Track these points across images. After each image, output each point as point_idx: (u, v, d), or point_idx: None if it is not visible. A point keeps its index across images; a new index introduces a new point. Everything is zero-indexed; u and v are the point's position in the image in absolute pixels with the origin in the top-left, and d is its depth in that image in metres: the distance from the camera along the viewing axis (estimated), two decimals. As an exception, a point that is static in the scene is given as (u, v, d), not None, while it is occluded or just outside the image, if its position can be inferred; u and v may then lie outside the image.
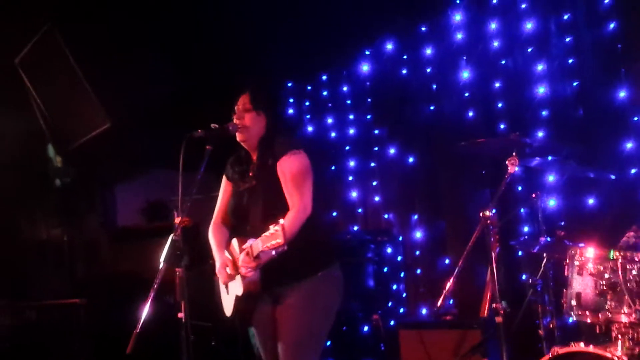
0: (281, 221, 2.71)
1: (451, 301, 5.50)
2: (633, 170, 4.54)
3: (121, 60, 5.41)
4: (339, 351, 5.60)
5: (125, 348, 2.76)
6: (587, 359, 3.02)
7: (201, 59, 5.76)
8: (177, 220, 2.97)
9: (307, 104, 6.68)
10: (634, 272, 3.05)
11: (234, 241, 3.16)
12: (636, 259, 3.07)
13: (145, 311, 2.82)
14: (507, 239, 4.17)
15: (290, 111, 6.68)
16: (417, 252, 5.84)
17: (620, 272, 3.07)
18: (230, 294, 3.22)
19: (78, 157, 6.20)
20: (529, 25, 5.07)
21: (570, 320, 3.52)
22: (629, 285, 3.04)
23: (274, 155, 3.11)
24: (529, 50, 5.09)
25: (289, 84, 6.71)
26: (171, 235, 2.93)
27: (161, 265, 2.90)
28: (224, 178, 3.38)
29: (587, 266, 3.20)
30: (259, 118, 3.18)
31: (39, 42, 5.41)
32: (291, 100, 6.72)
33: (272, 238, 2.71)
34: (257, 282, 3.04)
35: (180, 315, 2.91)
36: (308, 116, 6.66)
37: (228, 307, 3.25)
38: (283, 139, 3.16)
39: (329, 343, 5.62)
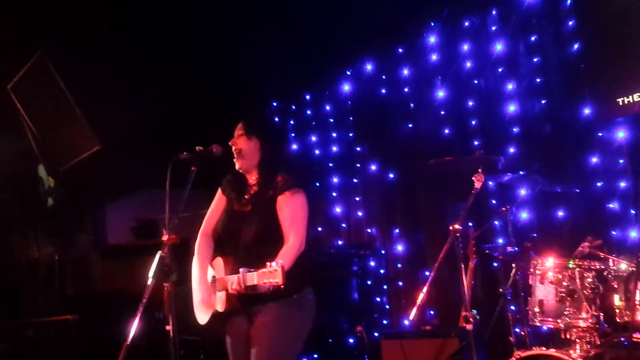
0: (280, 261, 2.88)
1: (432, 312, 5.69)
2: (599, 184, 4.75)
3: (111, 85, 5.58)
4: (325, 362, 5.76)
5: (116, 361, 2.89)
6: (547, 362, 3.21)
7: (189, 83, 5.93)
8: (165, 237, 3.12)
9: (292, 122, 6.88)
10: (590, 280, 3.26)
11: (219, 260, 3.30)
12: (592, 268, 3.28)
13: (135, 325, 2.96)
14: (483, 250, 4.34)
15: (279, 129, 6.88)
16: (399, 265, 6.01)
17: (577, 280, 3.28)
18: (210, 307, 3.34)
19: (69, 178, 6.34)
20: (499, 47, 5.29)
21: (544, 327, 3.70)
22: (585, 292, 3.25)
23: (276, 188, 3.27)
24: (500, 70, 5.30)
25: (275, 104, 6.92)
26: (159, 252, 3.07)
27: (149, 281, 3.04)
28: (220, 191, 3.51)
29: (547, 275, 3.41)
30: (252, 143, 3.34)
31: (30, 68, 5.58)
32: (277, 119, 6.92)
33: (270, 276, 2.86)
34: (238, 301, 3.18)
35: (168, 327, 3.04)
36: (293, 134, 6.85)
37: (202, 318, 3.37)
38: (287, 175, 3.30)
39: (316, 356, 5.78)
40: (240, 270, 3.00)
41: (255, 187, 3.38)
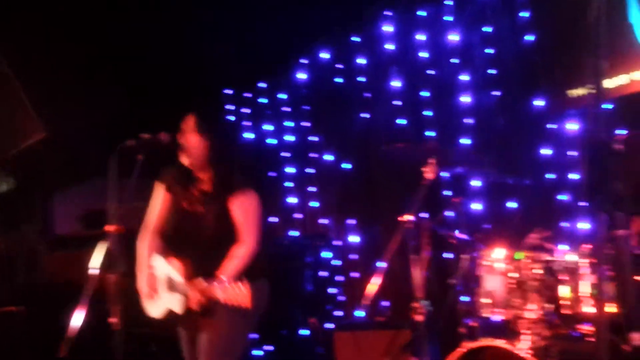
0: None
1: (386, 303, 5.69)
2: (550, 175, 4.81)
3: (60, 72, 5.40)
4: (279, 355, 5.69)
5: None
6: (495, 353, 3.22)
7: (141, 70, 5.79)
8: (110, 227, 3.06)
9: (246, 111, 6.78)
10: (538, 271, 3.28)
11: (176, 263, 3.20)
12: (540, 259, 3.30)
13: (79, 317, 2.90)
14: (440, 241, 4.34)
15: (231, 118, 6.78)
16: (354, 256, 5.99)
17: (526, 272, 3.30)
18: (161, 302, 3.26)
19: (15, 166, 6.15)
20: (454, 38, 5.30)
21: (494, 319, 3.73)
22: (533, 283, 3.27)
23: (228, 188, 3.21)
24: (455, 61, 5.31)
25: (229, 92, 6.80)
26: (103, 243, 3.01)
27: (93, 272, 2.98)
28: (162, 187, 3.39)
29: (497, 266, 3.42)
30: (203, 141, 3.22)
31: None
32: (231, 107, 6.81)
33: (235, 293, 2.86)
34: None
35: (113, 320, 3.00)
36: (247, 123, 6.75)
37: (155, 310, 3.28)
38: (240, 176, 3.25)
39: (271, 348, 5.73)
40: (215, 283, 2.97)
41: (207, 186, 3.28)
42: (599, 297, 1.71)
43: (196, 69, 5.88)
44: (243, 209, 3.18)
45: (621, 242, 1.70)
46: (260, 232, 3.20)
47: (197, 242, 3.19)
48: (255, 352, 5.66)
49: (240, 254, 3.12)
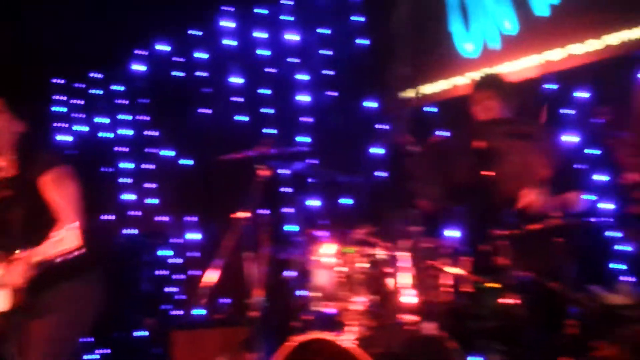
0: (71, 225, 2.78)
1: (226, 301, 5.68)
2: (380, 173, 5.06)
3: None
4: (114, 358, 5.50)
5: None
6: (323, 345, 3.32)
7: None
8: None
9: (79, 102, 6.42)
10: (364, 265, 3.43)
11: None
12: (367, 253, 3.46)
13: None
14: (277, 238, 4.40)
15: (63, 109, 6.39)
16: (194, 254, 5.93)
17: (353, 265, 3.44)
18: None
19: None
20: (292, 37, 5.43)
21: (326, 312, 3.84)
22: (360, 276, 3.42)
23: (35, 169, 3.05)
24: (294, 60, 5.44)
25: (61, 82, 6.40)
26: None
27: None
28: None
29: (327, 261, 3.53)
30: (12, 123, 3.09)
31: None
32: (63, 98, 6.42)
33: (62, 243, 2.74)
34: (22, 293, 2.95)
35: None
36: (80, 115, 6.41)
37: None
38: (45, 154, 3.11)
39: (108, 351, 5.50)
40: (19, 254, 2.83)
41: (12, 170, 3.11)
42: (400, 287, 1.85)
43: (28, 58, 5.49)
44: (56, 187, 3.02)
45: (416, 237, 1.84)
46: (80, 208, 3.04)
47: (8, 229, 3.02)
48: (89, 357, 5.42)
49: (57, 235, 2.88)
